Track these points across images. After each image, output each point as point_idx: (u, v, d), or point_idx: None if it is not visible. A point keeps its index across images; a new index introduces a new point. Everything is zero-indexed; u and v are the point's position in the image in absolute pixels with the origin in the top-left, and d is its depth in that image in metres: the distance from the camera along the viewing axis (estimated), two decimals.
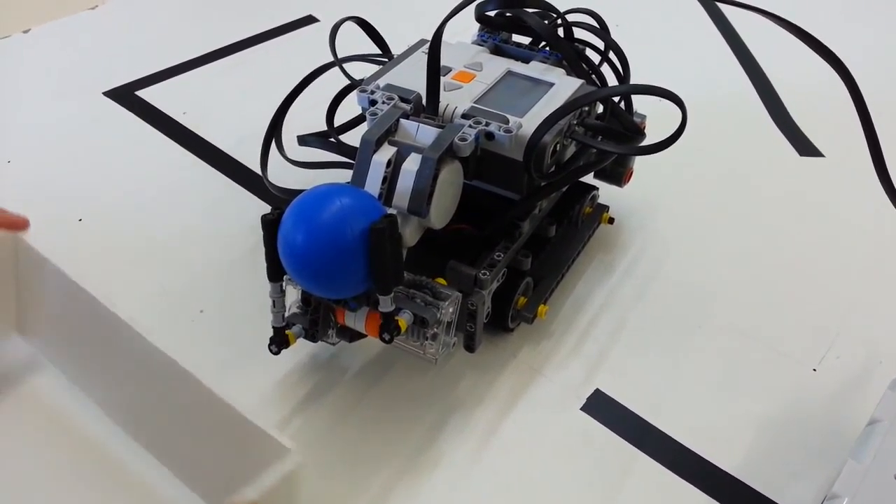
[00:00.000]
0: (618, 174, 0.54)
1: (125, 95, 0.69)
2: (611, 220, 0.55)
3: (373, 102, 0.43)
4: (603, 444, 0.42)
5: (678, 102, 0.41)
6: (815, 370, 0.46)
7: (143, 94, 0.69)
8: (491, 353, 0.47)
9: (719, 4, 0.82)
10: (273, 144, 0.52)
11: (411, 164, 0.39)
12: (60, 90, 0.69)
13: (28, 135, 0.63)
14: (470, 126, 0.40)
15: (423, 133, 0.40)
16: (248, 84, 0.71)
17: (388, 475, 0.40)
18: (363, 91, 0.43)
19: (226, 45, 0.77)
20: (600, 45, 0.50)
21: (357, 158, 0.39)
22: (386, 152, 0.39)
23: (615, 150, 0.43)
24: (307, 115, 0.54)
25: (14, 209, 0.42)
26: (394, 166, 0.39)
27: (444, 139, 0.39)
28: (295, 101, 0.52)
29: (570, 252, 0.51)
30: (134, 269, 0.51)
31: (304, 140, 0.52)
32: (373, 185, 0.39)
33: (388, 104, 0.42)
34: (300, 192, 0.51)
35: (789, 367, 0.47)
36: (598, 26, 0.50)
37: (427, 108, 0.42)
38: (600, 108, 0.48)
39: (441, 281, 0.40)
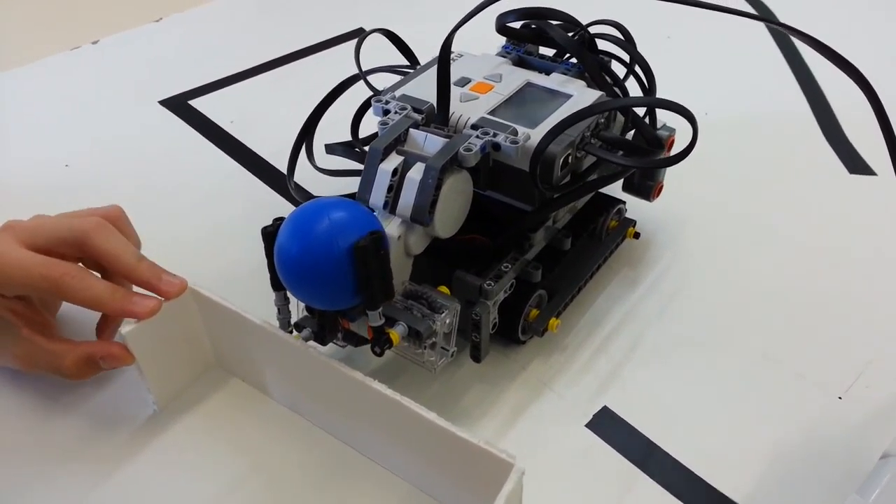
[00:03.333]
0: (646, 188, 0.53)
1: (179, 104, 0.72)
2: (636, 235, 0.53)
3: (386, 112, 0.43)
4: (604, 462, 0.41)
5: (689, 117, 0.40)
6: (840, 398, 0.44)
7: (195, 103, 0.73)
8: (501, 365, 0.46)
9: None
10: (304, 152, 0.53)
11: (415, 173, 0.39)
12: (120, 98, 0.73)
13: (86, 140, 0.67)
14: (477, 137, 0.41)
15: (430, 143, 0.41)
16: (294, 95, 0.73)
17: None
18: (378, 101, 0.44)
19: (277, 56, 0.79)
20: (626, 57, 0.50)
21: (365, 166, 0.40)
22: (393, 161, 0.40)
23: (624, 162, 0.42)
24: (342, 126, 0.55)
25: (68, 209, 0.44)
26: (400, 175, 0.40)
27: (449, 149, 0.40)
28: (328, 111, 0.53)
29: (589, 266, 0.50)
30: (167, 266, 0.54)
31: (330, 149, 0.53)
32: (379, 193, 0.40)
33: (401, 114, 0.43)
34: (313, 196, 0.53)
35: (813, 393, 0.44)
36: (623, 38, 0.49)
37: (437, 118, 0.42)
38: (621, 121, 0.47)
39: (444, 289, 0.40)
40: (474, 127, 0.42)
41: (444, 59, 0.41)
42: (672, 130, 0.51)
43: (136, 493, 0.40)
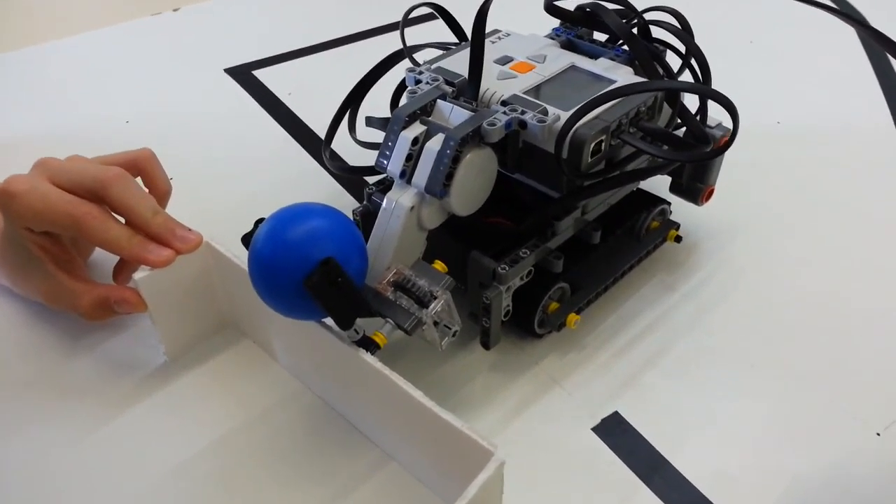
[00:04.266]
0: (695, 190, 0.50)
1: (242, 73, 0.74)
2: (678, 239, 0.50)
3: (418, 82, 0.42)
4: (605, 469, 0.39)
5: (729, 108, 0.37)
6: (878, 434, 0.40)
7: (258, 73, 0.74)
8: (513, 356, 0.45)
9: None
10: (346, 126, 0.53)
11: (435, 143, 0.38)
12: (189, 63, 0.75)
13: (150, 100, 0.69)
14: (504, 113, 0.39)
15: (455, 115, 0.40)
16: (353, 73, 0.72)
17: None
18: (411, 71, 0.43)
19: (343, 35, 0.80)
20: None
21: (385, 133, 0.39)
22: (415, 130, 0.39)
23: (653, 151, 0.39)
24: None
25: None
26: (420, 144, 0.39)
27: (472, 122, 0.38)
28: (377, 87, 0.53)
29: (620, 264, 0.47)
30: (208, 229, 0.54)
31: (369, 121, 0.53)
32: (397, 160, 0.39)
33: (432, 85, 0.42)
34: (351, 168, 0.53)
35: (849, 425, 0.41)
36: (680, 28, 0.46)
37: (468, 91, 0.41)
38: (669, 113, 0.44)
39: (439, 265, 0.39)
40: (504, 104, 0.40)
41: (478, 28, 0.39)
42: (727, 130, 0.47)
43: (134, 435, 0.41)
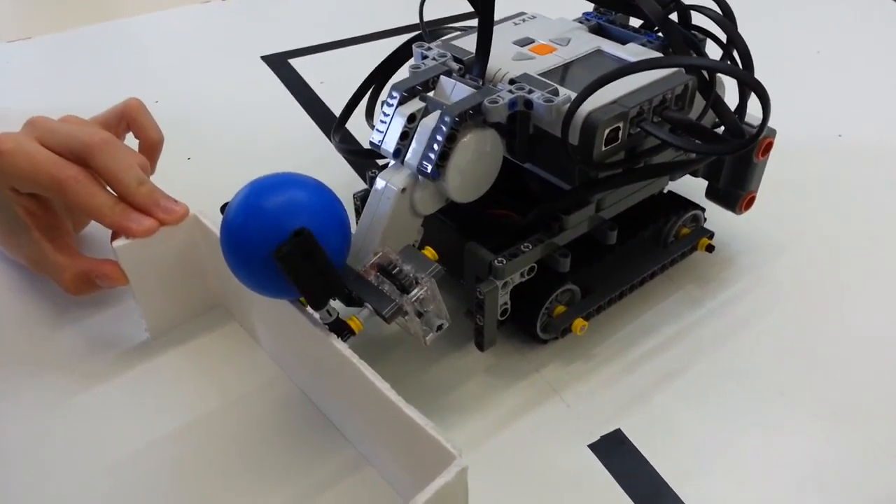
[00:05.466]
0: (734, 197, 0.45)
1: (278, 61, 0.72)
2: (710, 248, 0.46)
3: (425, 58, 0.39)
4: (598, 491, 0.34)
5: (758, 91, 0.33)
6: None
7: (293, 61, 0.72)
8: (513, 361, 0.41)
9: None
10: (363, 111, 0.51)
11: (430, 119, 0.35)
12: (227, 49, 0.75)
13: (182, 81, 0.69)
14: (509, 91, 0.36)
15: (457, 92, 0.37)
16: None
17: None
18: (420, 46, 0.40)
19: (386, 28, 0.78)
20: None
21: (381, 108, 0.36)
22: (412, 106, 0.36)
23: (676, 143, 0.35)
24: None
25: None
26: (417, 122, 0.36)
27: (472, 99, 0.35)
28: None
29: (641, 270, 0.43)
30: (215, 208, 0.53)
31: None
32: (392, 138, 0.36)
33: (438, 61, 0.39)
34: (361, 151, 0.50)
35: (886, 466, 0.35)
36: (721, 14, 0.42)
37: (474, 68, 0.38)
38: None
39: (429, 252, 0.35)
40: (512, 82, 0.37)
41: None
42: (771, 132, 0.43)
43: (101, 412, 0.39)
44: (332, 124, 0.62)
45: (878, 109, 0.64)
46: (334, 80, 0.69)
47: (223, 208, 0.36)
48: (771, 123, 0.43)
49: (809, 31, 0.77)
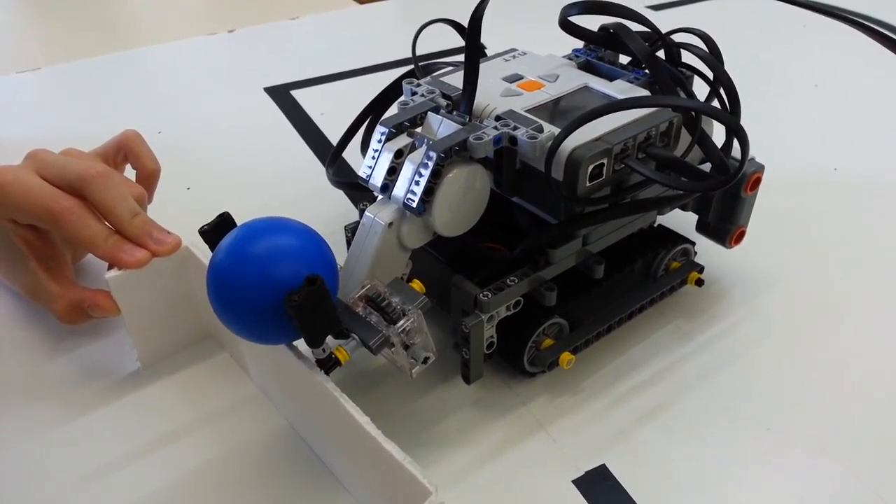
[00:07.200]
0: (723, 231, 0.45)
1: (281, 92, 0.74)
2: (699, 282, 0.46)
3: (414, 94, 0.40)
4: None
5: (736, 130, 0.33)
6: None
7: (295, 93, 0.74)
8: (500, 394, 0.41)
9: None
10: (359, 145, 0.52)
11: (416, 155, 0.35)
12: (231, 81, 0.76)
13: (185, 112, 0.70)
14: (494, 127, 0.36)
15: (444, 128, 0.37)
16: None
17: None
18: (409, 83, 0.41)
19: (388, 60, 0.79)
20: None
21: (370, 145, 0.37)
22: (400, 142, 0.37)
23: (658, 179, 0.35)
24: None
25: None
26: (404, 158, 0.36)
27: (458, 135, 0.35)
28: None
29: (629, 304, 0.43)
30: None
31: None
32: (379, 173, 0.36)
33: (426, 97, 0.39)
34: (355, 184, 0.50)
35: None
36: (707, 52, 0.42)
37: (461, 105, 0.39)
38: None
39: (416, 285, 0.36)
40: (498, 118, 0.37)
41: (472, 34, 0.37)
42: (759, 167, 0.43)
43: (85, 442, 0.39)
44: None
45: (873, 144, 0.64)
46: (335, 111, 0.70)
47: (202, 231, 0.36)
48: (766, 156, 0.44)
49: (807, 64, 0.77)
